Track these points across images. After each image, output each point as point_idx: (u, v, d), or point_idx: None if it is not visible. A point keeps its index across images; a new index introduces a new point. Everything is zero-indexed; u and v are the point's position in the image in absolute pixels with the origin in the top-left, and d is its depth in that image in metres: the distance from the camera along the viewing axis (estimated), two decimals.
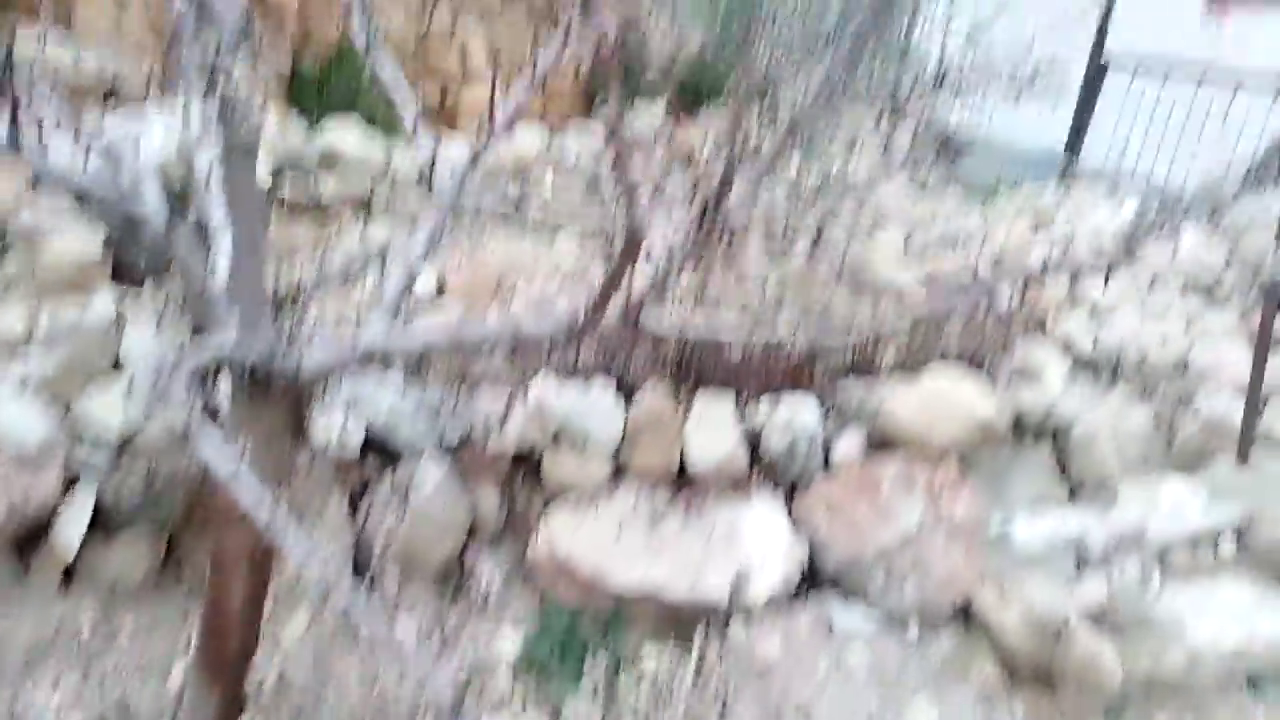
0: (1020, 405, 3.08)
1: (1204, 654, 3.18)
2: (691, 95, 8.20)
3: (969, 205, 6.04)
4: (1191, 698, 3.14)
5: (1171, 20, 9.53)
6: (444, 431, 2.82)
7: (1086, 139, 6.93)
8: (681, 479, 2.87)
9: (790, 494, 2.95)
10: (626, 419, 2.85)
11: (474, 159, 1.71)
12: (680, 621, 2.72)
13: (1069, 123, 6.89)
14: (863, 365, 3.26)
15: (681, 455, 2.86)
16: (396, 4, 5.85)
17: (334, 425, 2.77)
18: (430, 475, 2.79)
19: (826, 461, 2.95)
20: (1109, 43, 6.87)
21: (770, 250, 4.71)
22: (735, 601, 2.66)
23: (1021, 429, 3.12)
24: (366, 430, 2.85)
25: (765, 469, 2.94)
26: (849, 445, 2.92)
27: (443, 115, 6.41)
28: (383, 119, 4.42)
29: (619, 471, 2.87)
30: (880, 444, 2.95)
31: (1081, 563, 3.07)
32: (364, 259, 3.05)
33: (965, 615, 2.94)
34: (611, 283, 1.26)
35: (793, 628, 2.51)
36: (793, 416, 2.85)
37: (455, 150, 4.84)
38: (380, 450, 2.87)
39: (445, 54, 6.28)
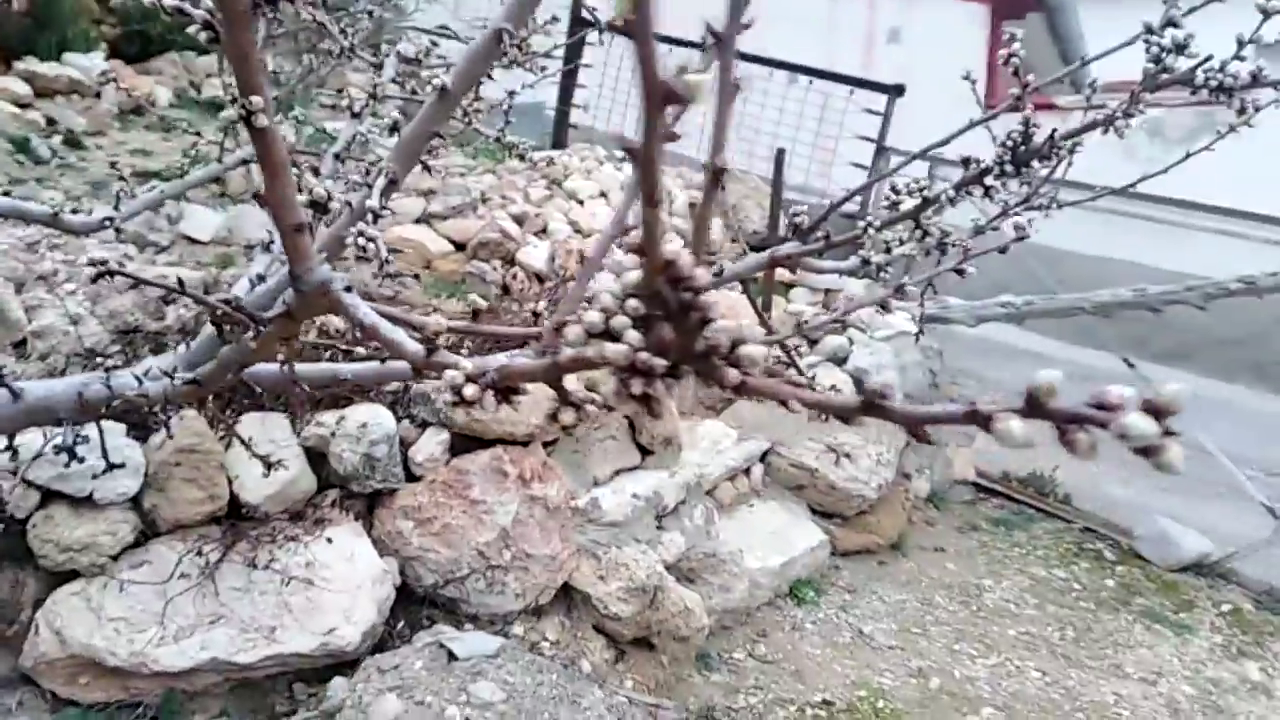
0: (594, 377, 3.02)
1: (758, 578, 3.48)
2: (138, 42, 6.97)
3: (478, 164, 5.92)
4: (754, 620, 3.42)
5: None
6: None
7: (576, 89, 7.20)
8: (236, 520, 2.32)
9: (371, 512, 2.55)
10: (146, 460, 2.20)
11: None
12: (265, 692, 2.22)
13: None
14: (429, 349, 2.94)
15: (232, 491, 2.31)
16: None
17: None
18: None
19: (407, 470, 2.60)
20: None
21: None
22: (330, 653, 2.23)
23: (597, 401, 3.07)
24: None
25: (339, 489, 2.50)
26: (431, 446, 2.60)
27: None
28: None
29: (150, 525, 2.22)
30: (465, 440, 2.68)
31: (660, 518, 3.15)
32: None
33: (569, 597, 2.84)
34: None
35: (408, 673, 2.16)
36: (365, 424, 2.45)
37: None
38: None
39: None
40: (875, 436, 4.14)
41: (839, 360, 4.28)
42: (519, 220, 4.89)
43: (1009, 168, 1.06)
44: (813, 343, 4.45)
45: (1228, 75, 0.88)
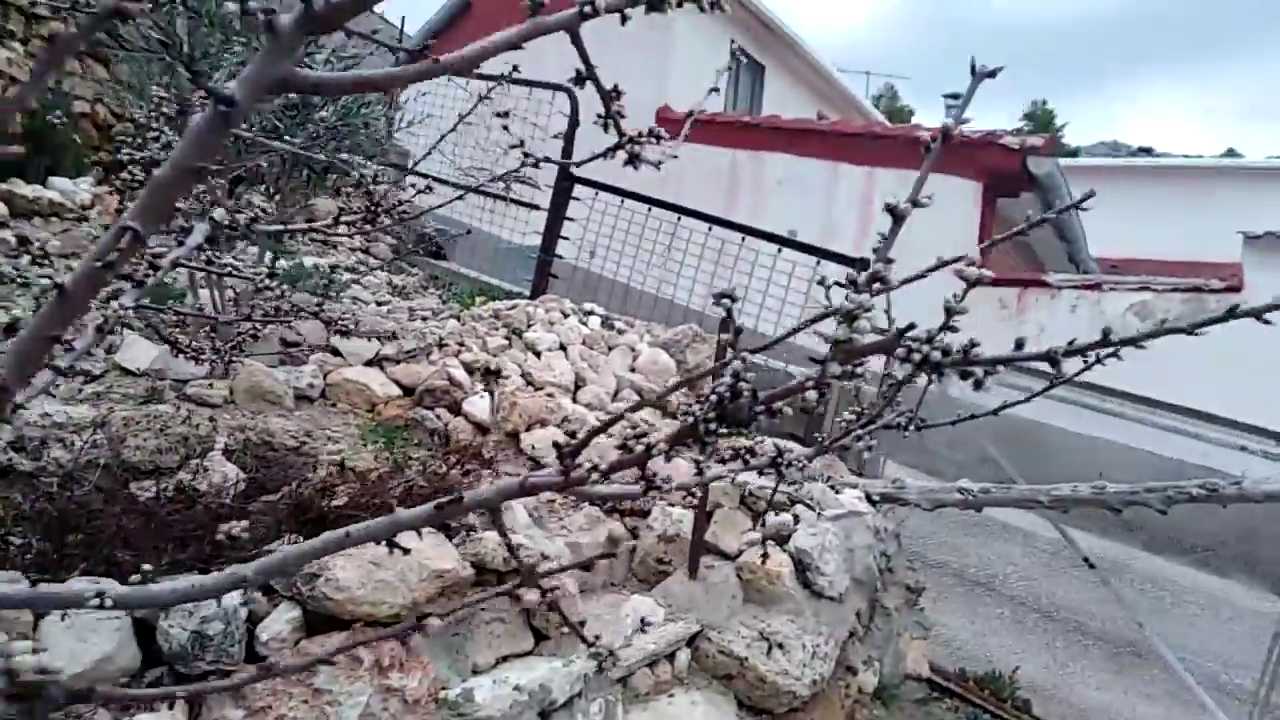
0: (482, 551, 2.82)
1: None
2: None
3: (449, 308, 5.89)
4: None
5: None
6: None
7: (560, 242, 7.21)
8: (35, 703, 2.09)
9: (201, 698, 2.31)
10: None
11: None
12: None
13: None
14: (311, 517, 2.76)
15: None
16: None
17: None
18: None
19: (252, 649, 2.37)
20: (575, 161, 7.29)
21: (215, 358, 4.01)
22: None
23: (484, 578, 2.85)
24: None
25: (168, 667, 2.27)
26: (280, 625, 2.38)
27: None
28: None
29: None
30: (324, 619, 2.46)
31: (546, 715, 2.87)
32: None
33: None
34: None
35: None
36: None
37: None
38: None
39: None
40: (813, 626, 3.86)
41: (781, 539, 4.04)
42: (470, 369, 4.78)
43: (715, 425, 0.90)
44: (758, 516, 4.23)
45: (934, 349, 0.72)
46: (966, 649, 5.22)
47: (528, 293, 6.88)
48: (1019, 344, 0.74)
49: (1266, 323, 0.71)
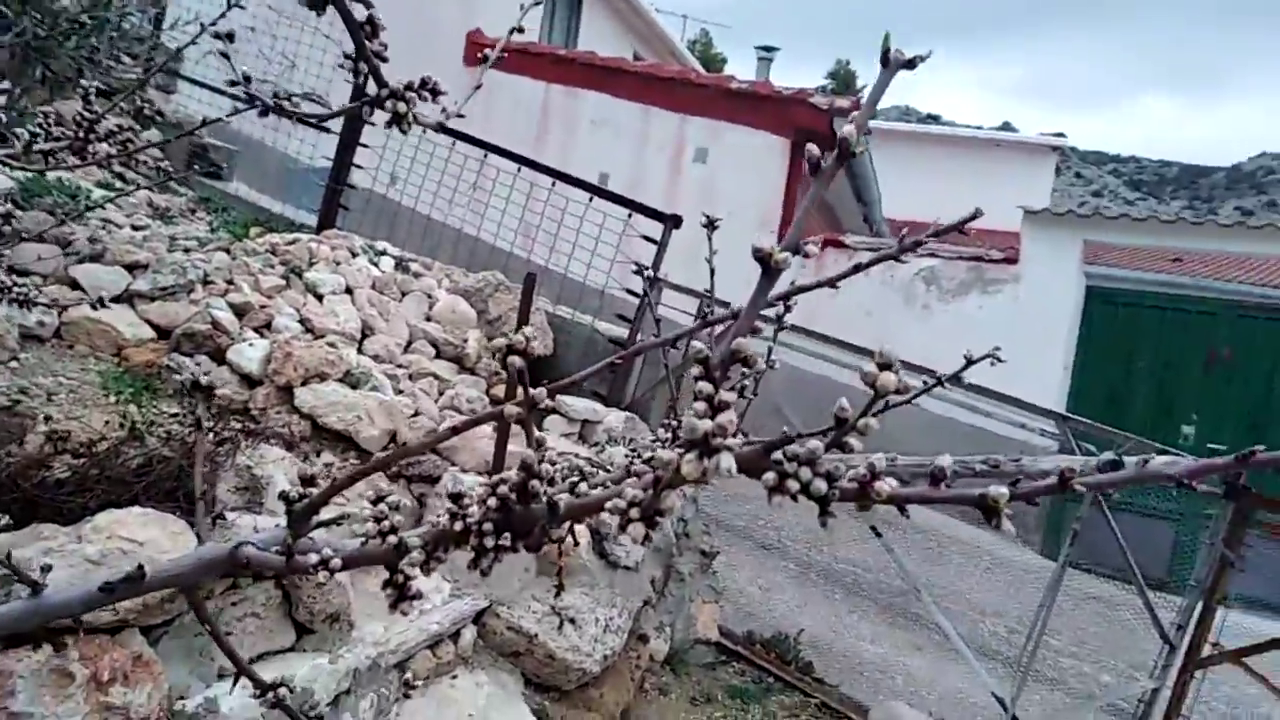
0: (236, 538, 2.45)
1: None
2: None
3: (218, 238, 5.23)
4: None
5: (435, 70, 9.96)
6: None
7: (353, 167, 6.58)
8: None
9: None
10: None
11: None
12: None
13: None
14: (20, 497, 2.29)
15: None
16: None
17: None
18: None
19: None
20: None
21: None
22: None
23: (240, 570, 2.49)
24: None
25: None
26: None
27: None
28: None
29: None
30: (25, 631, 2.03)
31: (308, 717, 2.57)
32: None
33: None
34: None
35: None
36: None
37: None
38: None
39: None
40: (608, 598, 3.74)
41: None
42: (240, 311, 4.25)
43: (496, 536, 0.66)
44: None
45: (817, 475, 0.51)
46: (753, 608, 5.30)
47: (315, 223, 6.27)
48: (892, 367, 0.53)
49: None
